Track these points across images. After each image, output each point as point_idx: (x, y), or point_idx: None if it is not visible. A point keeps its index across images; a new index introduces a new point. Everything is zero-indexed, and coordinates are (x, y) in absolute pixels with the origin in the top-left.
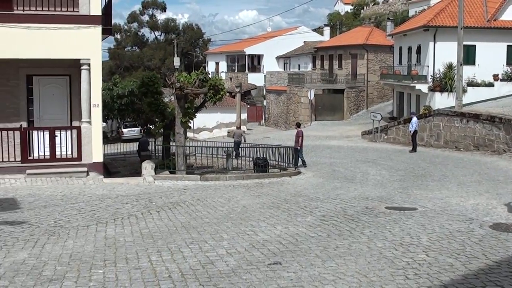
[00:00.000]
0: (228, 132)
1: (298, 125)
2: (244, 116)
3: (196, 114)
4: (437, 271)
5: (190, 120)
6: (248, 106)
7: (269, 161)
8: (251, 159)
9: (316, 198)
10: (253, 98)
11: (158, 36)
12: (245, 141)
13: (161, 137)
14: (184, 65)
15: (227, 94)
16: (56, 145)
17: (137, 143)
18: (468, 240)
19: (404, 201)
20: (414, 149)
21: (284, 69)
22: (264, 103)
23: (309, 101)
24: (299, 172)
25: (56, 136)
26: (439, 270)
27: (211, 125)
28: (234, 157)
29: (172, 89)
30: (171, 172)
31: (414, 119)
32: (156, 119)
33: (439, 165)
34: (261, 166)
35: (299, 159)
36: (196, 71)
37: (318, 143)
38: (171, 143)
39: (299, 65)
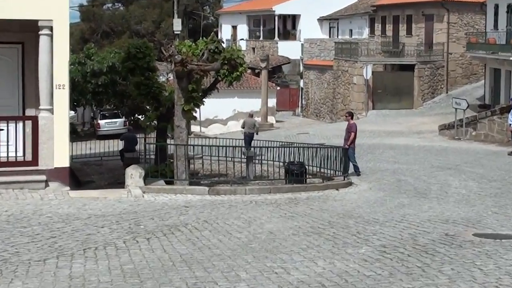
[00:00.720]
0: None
1: (351, 116)
2: (272, 102)
3: (204, 99)
4: None
5: (196, 109)
6: (278, 88)
7: (307, 167)
8: (281, 164)
9: (373, 220)
10: (285, 76)
11: None
12: (257, 133)
13: (154, 132)
14: (188, 30)
15: (248, 71)
16: (1, 143)
17: (120, 140)
18: None
19: (502, 225)
20: None
21: (329, 36)
22: (301, 84)
23: (365, 81)
24: (350, 183)
25: (1, 130)
26: None
27: (225, 115)
28: (245, 157)
29: (170, 64)
30: (167, 183)
31: None
32: (147, 107)
33: None
34: (295, 174)
35: (351, 164)
36: (204, 38)
37: (377, 141)
38: (168, 141)
39: (350, 31)
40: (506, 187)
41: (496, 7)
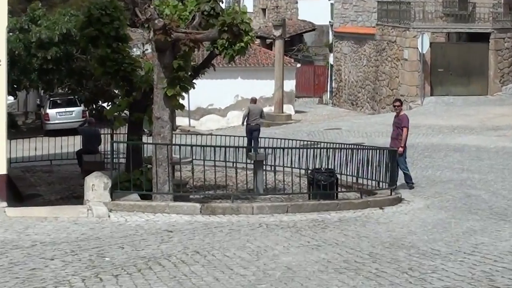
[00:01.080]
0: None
1: (399, 104)
2: (290, 85)
3: (195, 81)
4: None
5: (183, 94)
6: (299, 65)
7: (339, 176)
8: (303, 172)
9: (433, 252)
10: (309, 49)
11: None
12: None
13: (124, 126)
14: None
15: (257, 41)
16: None
17: (77, 137)
18: None
19: None
20: None
21: None
22: (331, 60)
23: (420, 56)
24: (400, 200)
25: None
26: None
27: (224, 103)
28: (252, 162)
29: (148, 32)
30: (143, 197)
31: None
32: (116, 91)
33: None
34: (323, 187)
35: (401, 172)
36: None
37: (437, 140)
38: (144, 139)
39: None
40: None
41: None
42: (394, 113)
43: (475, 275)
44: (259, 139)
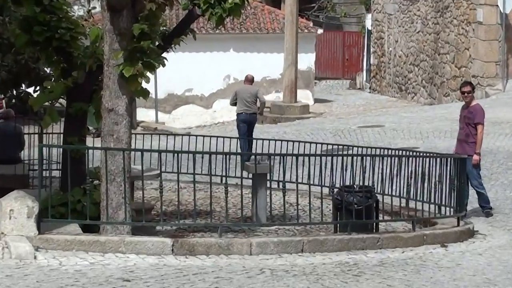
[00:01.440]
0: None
1: (470, 89)
2: (307, 61)
3: (165, 55)
4: None
5: (148, 74)
6: (321, 31)
7: (381, 197)
8: (326, 191)
9: None
10: (335, 7)
11: None
12: (261, 113)
13: (59, 122)
14: None
15: None
16: None
17: None
18: None
19: None
20: None
21: None
22: (368, 25)
23: (502, 18)
24: (471, 232)
25: None
26: None
27: (208, 88)
28: (246, 170)
29: None
30: (86, 229)
31: None
32: (47, 70)
33: None
34: (356, 213)
35: (472, 190)
36: None
37: None
38: (89, 142)
39: None
40: None
41: None
42: (463, 103)
43: None
44: (251, 141)
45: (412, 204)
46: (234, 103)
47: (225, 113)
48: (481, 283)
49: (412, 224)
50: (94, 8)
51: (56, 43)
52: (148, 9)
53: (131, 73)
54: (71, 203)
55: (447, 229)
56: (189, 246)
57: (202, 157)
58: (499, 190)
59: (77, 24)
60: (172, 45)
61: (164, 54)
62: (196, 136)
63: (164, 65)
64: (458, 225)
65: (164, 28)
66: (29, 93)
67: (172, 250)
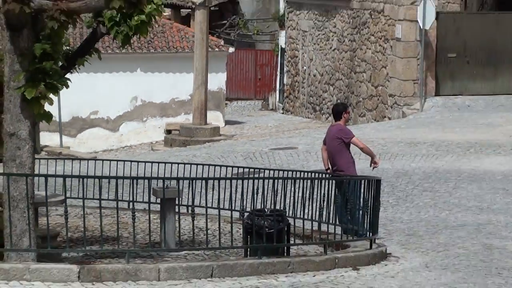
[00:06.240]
0: (170, 132)
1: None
2: (217, 82)
3: (69, 77)
4: None
5: (51, 97)
6: (232, 50)
7: (292, 221)
8: (237, 215)
9: None
10: (247, 24)
11: None
12: None
13: None
14: None
15: (166, 12)
16: None
17: None
18: None
19: None
20: None
21: None
22: (281, 42)
23: (421, 34)
24: (384, 255)
25: None
26: None
27: (115, 110)
28: (154, 195)
29: None
30: None
31: None
32: None
33: None
34: (267, 237)
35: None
36: None
37: (444, 164)
38: None
39: None
40: None
41: None
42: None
43: None
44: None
45: (324, 227)
46: None
47: (132, 136)
48: None
49: (324, 247)
50: None
51: None
52: (50, 28)
53: (33, 95)
54: None
55: (359, 252)
56: (96, 272)
57: (109, 182)
58: (414, 212)
59: None
60: (76, 66)
61: (68, 75)
62: (102, 160)
63: (68, 86)
64: (371, 247)
65: (68, 47)
66: None
67: (79, 277)
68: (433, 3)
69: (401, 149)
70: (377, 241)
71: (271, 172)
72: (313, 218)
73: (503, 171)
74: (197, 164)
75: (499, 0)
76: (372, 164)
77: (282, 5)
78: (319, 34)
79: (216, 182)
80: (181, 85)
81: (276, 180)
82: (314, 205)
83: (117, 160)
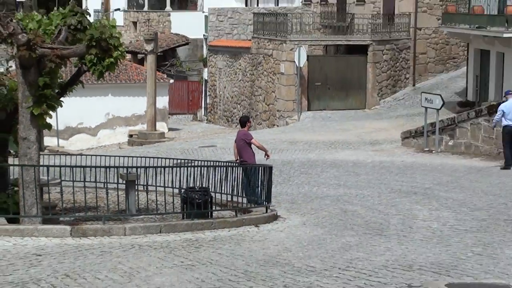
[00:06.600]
0: (131, 136)
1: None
2: (163, 102)
3: (62, 99)
4: None
5: (51, 113)
6: (172, 81)
7: (214, 195)
8: (176, 191)
9: (308, 268)
10: (182, 64)
11: None
12: None
13: None
14: None
15: (128, 56)
16: None
17: None
18: None
19: (486, 271)
20: (508, 164)
21: (246, 5)
22: (205, 76)
23: (297, 70)
24: (276, 217)
25: None
26: None
27: (94, 122)
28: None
29: (11, 48)
30: (9, 221)
31: (509, 102)
32: None
33: None
34: (197, 206)
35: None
36: (61, 8)
37: (314, 156)
38: (10, 161)
39: None
40: (494, 218)
41: None
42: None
43: None
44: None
45: (235, 199)
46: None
47: (106, 139)
48: (281, 250)
49: (235, 212)
50: (11, 67)
51: None
52: (49, 67)
53: (38, 112)
54: None
55: (259, 215)
56: (82, 231)
57: (90, 170)
58: (294, 188)
59: None
60: (67, 92)
61: (62, 99)
62: (86, 155)
63: (62, 106)
64: (267, 212)
65: (61, 80)
66: None
67: (71, 234)
68: (304, 50)
69: (285, 146)
70: (270, 207)
71: (199, 162)
72: (228, 193)
73: (353, 160)
74: (150, 157)
75: (348, 47)
76: (266, 157)
77: (205, 51)
78: (229, 70)
79: (162, 169)
80: (138, 105)
81: (202, 167)
82: (228, 184)
83: (96, 155)
